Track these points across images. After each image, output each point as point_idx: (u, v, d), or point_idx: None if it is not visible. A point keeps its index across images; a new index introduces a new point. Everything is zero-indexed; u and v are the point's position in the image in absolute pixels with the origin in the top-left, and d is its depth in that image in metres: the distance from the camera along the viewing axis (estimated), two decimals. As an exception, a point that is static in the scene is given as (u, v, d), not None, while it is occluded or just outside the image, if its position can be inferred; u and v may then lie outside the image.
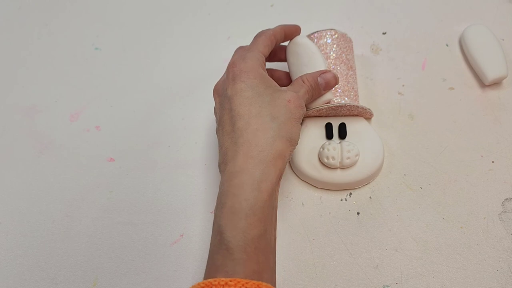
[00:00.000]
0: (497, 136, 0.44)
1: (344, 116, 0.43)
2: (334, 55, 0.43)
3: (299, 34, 0.42)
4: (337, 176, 0.41)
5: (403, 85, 0.48)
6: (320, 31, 0.43)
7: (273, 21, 0.47)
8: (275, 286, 0.32)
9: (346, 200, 0.41)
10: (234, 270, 0.29)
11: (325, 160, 0.40)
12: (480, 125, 0.45)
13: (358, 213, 0.41)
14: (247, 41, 0.40)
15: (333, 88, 0.42)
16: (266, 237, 0.31)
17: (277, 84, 0.37)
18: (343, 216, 0.41)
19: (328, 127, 0.43)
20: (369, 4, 0.55)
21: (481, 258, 0.38)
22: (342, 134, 0.42)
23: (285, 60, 0.44)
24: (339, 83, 0.42)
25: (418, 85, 0.48)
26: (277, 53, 0.44)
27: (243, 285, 0.27)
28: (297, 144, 0.35)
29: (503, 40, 0.50)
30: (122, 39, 0.55)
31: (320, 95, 0.40)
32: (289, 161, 0.44)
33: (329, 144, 0.41)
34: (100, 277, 0.39)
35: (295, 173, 0.43)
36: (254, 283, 0.27)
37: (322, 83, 0.39)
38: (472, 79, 0.48)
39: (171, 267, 0.39)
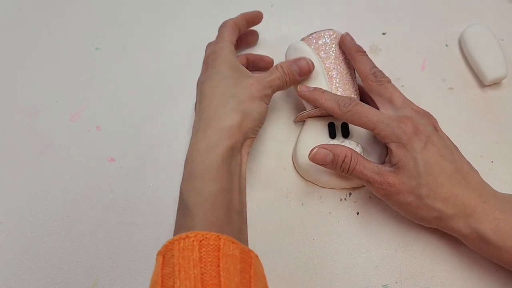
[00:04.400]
0: (496, 136, 0.44)
1: None
2: (333, 55, 0.43)
3: (261, 19, 0.47)
4: (341, 175, 0.41)
5: (402, 86, 0.48)
6: (318, 31, 0.43)
7: (273, 21, 0.48)
8: (246, 245, 0.33)
9: (346, 200, 0.42)
10: (193, 224, 0.31)
11: None
12: (479, 125, 0.45)
13: (358, 213, 0.41)
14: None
15: (333, 88, 0.42)
16: (224, 195, 0.32)
17: (247, 70, 0.40)
18: (343, 216, 0.41)
19: (331, 126, 0.43)
20: (369, 4, 0.55)
21: (481, 257, 0.38)
22: (345, 133, 0.43)
23: (253, 44, 0.51)
24: (340, 82, 0.42)
25: (418, 85, 0.48)
26: (243, 40, 0.49)
27: (202, 235, 0.28)
28: (260, 122, 0.38)
29: (502, 40, 0.50)
30: (122, 39, 0.55)
31: (296, 81, 0.42)
32: (293, 161, 0.44)
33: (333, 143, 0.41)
34: (100, 277, 0.39)
35: (298, 173, 0.43)
36: (213, 234, 0.28)
37: (295, 69, 0.41)
38: (471, 79, 0.48)
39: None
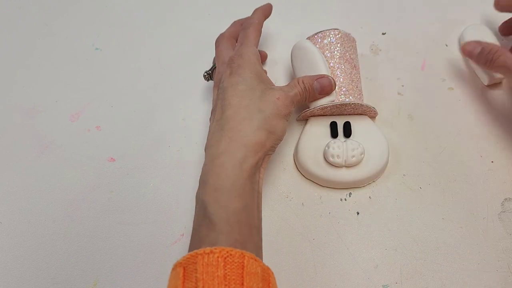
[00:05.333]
0: (496, 136, 0.44)
1: (349, 115, 0.44)
2: (338, 54, 0.43)
3: (271, 10, 0.46)
4: (342, 174, 0.41)
5: (402, 86, 0.48)
6: (323, 31, 0.44)
7: (273, 21, 0.48)
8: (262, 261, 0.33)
9: (346, 200, 0.42)
10: (217, 239, 0.30)
11: (331, 158, 0.40)
12: (479, 125, 0.45)
13: (358, 213, 0.41)
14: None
15: (337, 88, 0.42)
16: (247, 213, 0.32)
17: (271, 81, 0.40)
18: (343, 216, 0.41)
19: (333, 125, 0.43)
20: (369, 4, 0.55)
21: (481, 258, 0.38)
22: (347, 132, 0.43)
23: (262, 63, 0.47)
24: (344, 81, 0.42)
25: (418, 85, 0.48)
26: None
27: (227, 252, 0.28)
28: (281, 139, 0.37)
29: (502, 40, 0.50)
30: (122, 39, 0.55)
31: (315, 98, 0.42)
32: (294, 160, 0.44)
33: (334, 142, 0.41)
34: (100, 277, 0.39)
35: (300, 172, 0.43)
36: (238, 251, 0.28)
37: (317, 87, 0.40)
38: (471, 79, 0.48)
39: (172, 267, 0.39)
